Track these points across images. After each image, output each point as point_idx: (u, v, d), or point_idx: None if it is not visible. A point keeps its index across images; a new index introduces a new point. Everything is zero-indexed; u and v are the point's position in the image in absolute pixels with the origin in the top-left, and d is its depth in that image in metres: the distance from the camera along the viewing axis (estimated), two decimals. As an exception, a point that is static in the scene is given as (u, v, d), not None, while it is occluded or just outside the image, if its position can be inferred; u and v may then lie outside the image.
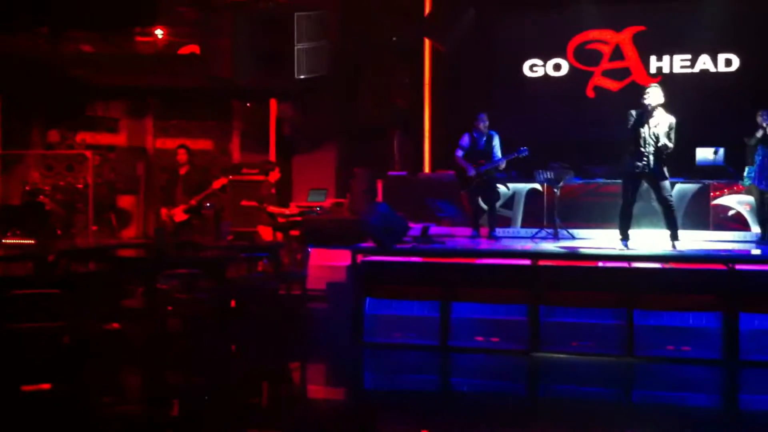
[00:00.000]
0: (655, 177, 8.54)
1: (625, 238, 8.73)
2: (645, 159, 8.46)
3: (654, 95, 8.46)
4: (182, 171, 10.86)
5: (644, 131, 8.44)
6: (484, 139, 10.00)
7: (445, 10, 12.07)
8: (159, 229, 10.01)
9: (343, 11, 12.84)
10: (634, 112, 8.52)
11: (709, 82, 12.20)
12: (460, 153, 10.09)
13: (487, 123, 10.07)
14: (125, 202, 13.48)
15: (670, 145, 8.40)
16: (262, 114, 13.17)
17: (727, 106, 11.69)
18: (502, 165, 9.96)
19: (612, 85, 12.63)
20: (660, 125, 8.42)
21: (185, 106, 13.61)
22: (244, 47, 10.37)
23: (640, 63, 12.51)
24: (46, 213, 12.94)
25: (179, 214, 10.62)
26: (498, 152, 10.02)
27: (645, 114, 8.45)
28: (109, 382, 7.12)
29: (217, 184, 10.77)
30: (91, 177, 13.08)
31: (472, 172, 9.95)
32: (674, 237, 8.62)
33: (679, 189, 10.63)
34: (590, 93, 12.71)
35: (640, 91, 8.79)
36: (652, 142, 8.43)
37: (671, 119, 8.46)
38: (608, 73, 12.65)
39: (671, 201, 8.63)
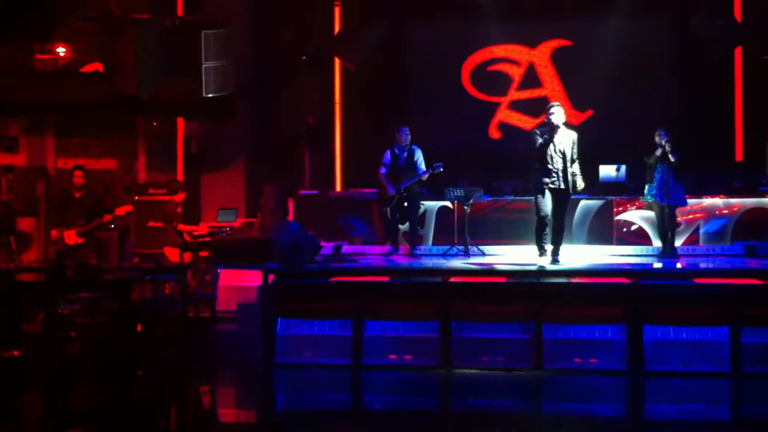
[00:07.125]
0: (561, 193, 8.75)
1: (542, 252, 8.83)
2: (554, 175, 8.68)
3: (558, 114, 8.71)
4: (77, 194, 10.60)
5: (551, 148, 8.66)
6: (406, 154, 9.97)
7: (355, 29, 12.09)
8: (60, 252, 9.68)
9: (251, 29, 12.72)
10: (539, 131, 8.75)
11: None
12: (383, 170, 10.02)
13: (408, 136, 10.00)
14: (25, 224, 12.95)
15: (576, 158, 8.73)
16: (168, 131, 12.88)
17: (630, 124, 12.02)
18: (424, 178, 9.96)
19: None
20: (565, 141, 8.69)
21: (87, 124, 13.19)
22: (148, 64, 10.13)
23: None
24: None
25: (72, 237, 10.32)
26: (422, 166, 9.95)
27: (550, 132, 8.67)
28: (7, 410, 6.81)
29: (120, 211, 10.55)
30: (-13, 198, 12.51)
31: (392, 192, 9.90)
32: (556, 252, 8.80)
33: (584, 205, 10.88)
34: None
35: (544, 107, 9.00)
36: (560, 158, 8.67)
37: (574, 135, 8.77)
38: (522, 85, 12.80)
39: (563, 220, 8.87)
